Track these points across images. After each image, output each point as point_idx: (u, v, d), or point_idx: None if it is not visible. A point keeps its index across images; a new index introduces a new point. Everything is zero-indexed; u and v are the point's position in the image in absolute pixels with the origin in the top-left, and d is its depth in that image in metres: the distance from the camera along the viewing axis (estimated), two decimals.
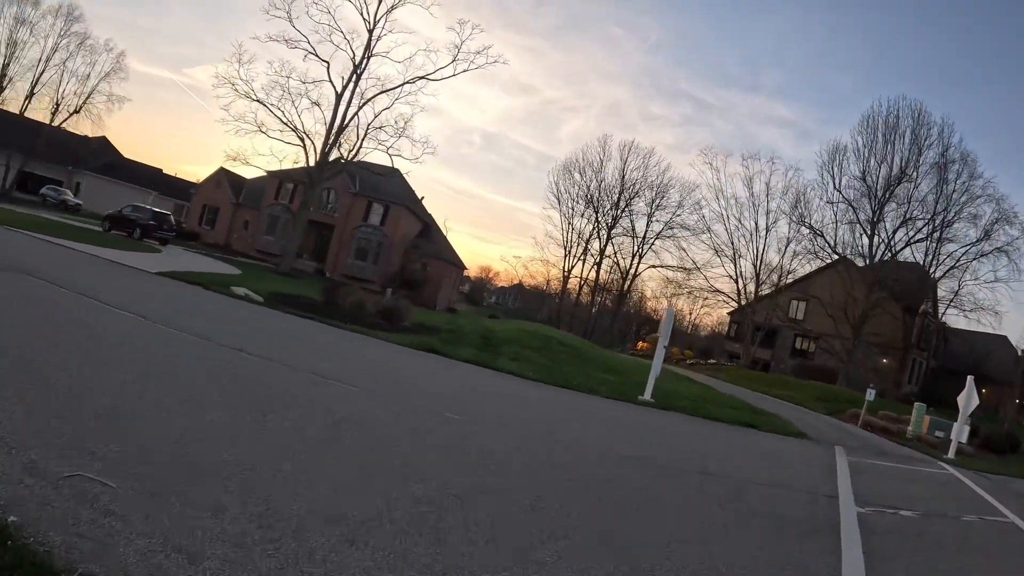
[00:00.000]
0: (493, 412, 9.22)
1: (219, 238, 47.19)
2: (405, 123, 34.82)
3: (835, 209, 41.82)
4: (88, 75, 45.30)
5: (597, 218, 58.03)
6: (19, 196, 45.02)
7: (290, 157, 38.46)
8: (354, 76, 35.16)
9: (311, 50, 34.03)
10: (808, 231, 43.31)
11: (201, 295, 14.28)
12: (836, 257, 42.64)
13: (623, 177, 56.83)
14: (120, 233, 29.90)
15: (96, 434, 4.11)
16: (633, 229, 57.70)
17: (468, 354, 14.60)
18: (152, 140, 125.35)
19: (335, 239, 45.45)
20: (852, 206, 40.52)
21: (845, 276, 39.85)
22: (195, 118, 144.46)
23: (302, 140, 34.47)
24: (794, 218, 44.79)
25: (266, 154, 38.12)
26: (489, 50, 38.13)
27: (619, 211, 57.44)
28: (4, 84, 42.90)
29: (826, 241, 42.61)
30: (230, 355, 8.16)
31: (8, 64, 42.84)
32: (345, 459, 5.11)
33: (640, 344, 55.86)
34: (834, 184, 41.63)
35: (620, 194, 57.18)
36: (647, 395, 14.16)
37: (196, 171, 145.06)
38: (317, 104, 35.17)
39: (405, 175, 42.37)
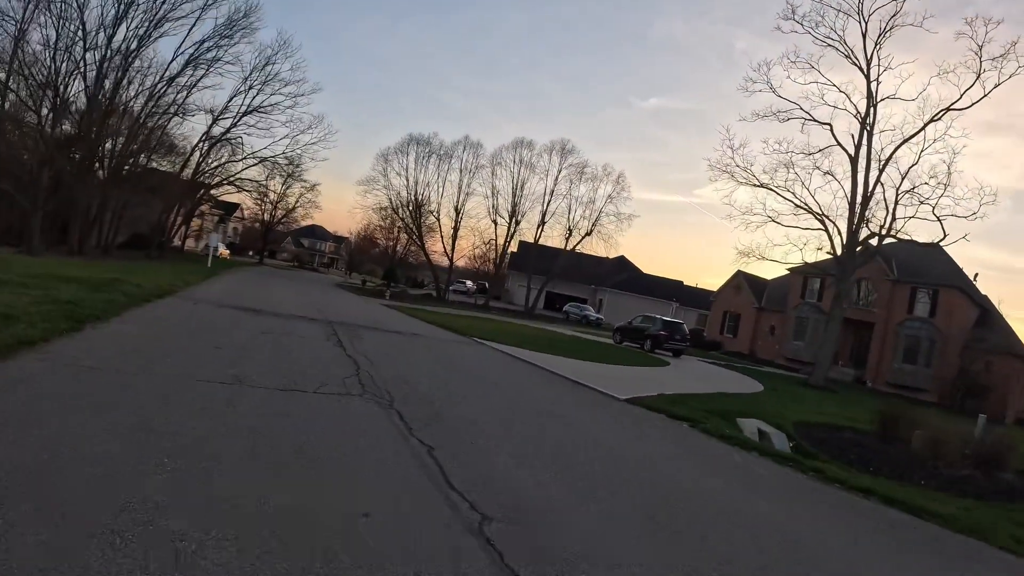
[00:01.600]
0: None
1: (742, 346, 43.96)
2: (947, 173, 25.16)
3: None
4: (592, 199, 49.27)
5: None
6: (544, 313, 51.70)
7: (812, 243, 32.48)
8: (864, 133, 27.63)
9: (807, 116, 28.53)
10: None
11: (688, 443, 9.41)
12: None
13: None
14: (632, 345, 29.38)
15: None
16: None
17: None
18: (667, 256, 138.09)
19: (875, 339, 36.20)
20: None
21: None
22: (706, 233, 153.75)
23: (822, 221, 28.46)
24: None
25: (783, 243, 33.67)
26: (1017, 47, 24.73)
27: None
28: (519, 217, 51.03)
29: None
30: None
31: (519, 201, 50.87)
32: None
33: None
34: None
35: None
36: None
37: (717, 282, 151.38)
38: (830, 174, 28.92)
39: (946, 247, 30.68)
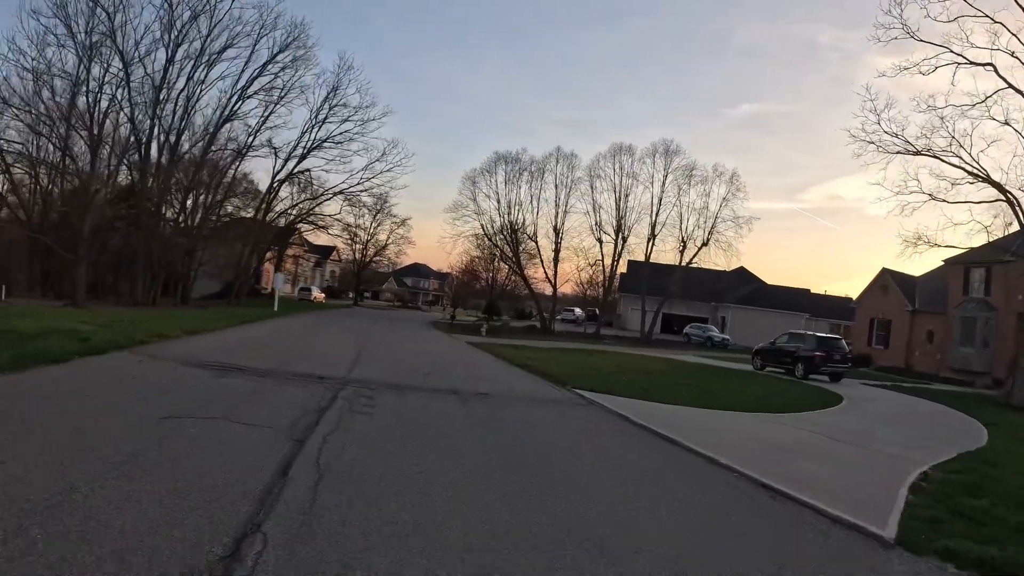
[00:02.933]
0: None
1: (896, 358, 34.73)
2: None
3: None
4: (705, 204, 42.83)
5: None
6: (661, 338, 44.57)
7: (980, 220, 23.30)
8: None
9: (961, 59, 19.74)
10: None
11: None
12: None
13: None
14: (776, 370, 22.08)
15: None
16: None
17: None
18: (786, 265, 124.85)
19: None
20: None
21: None
22: (816, 238, 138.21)
23: (1002, 189, 19.65)
24: None
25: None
26: None
27: None
28: (626, 232, 44.08)
29: None
30: None
31: (623, 214, 43.78)
32: None
33: None
34: None
35: None
36: None
37: (846, 287, 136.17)
38: (1008, 124, 19.86)
39: None
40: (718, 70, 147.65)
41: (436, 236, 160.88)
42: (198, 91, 33.46)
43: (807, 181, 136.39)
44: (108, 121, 28.85)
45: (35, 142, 27.93)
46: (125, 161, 30.80)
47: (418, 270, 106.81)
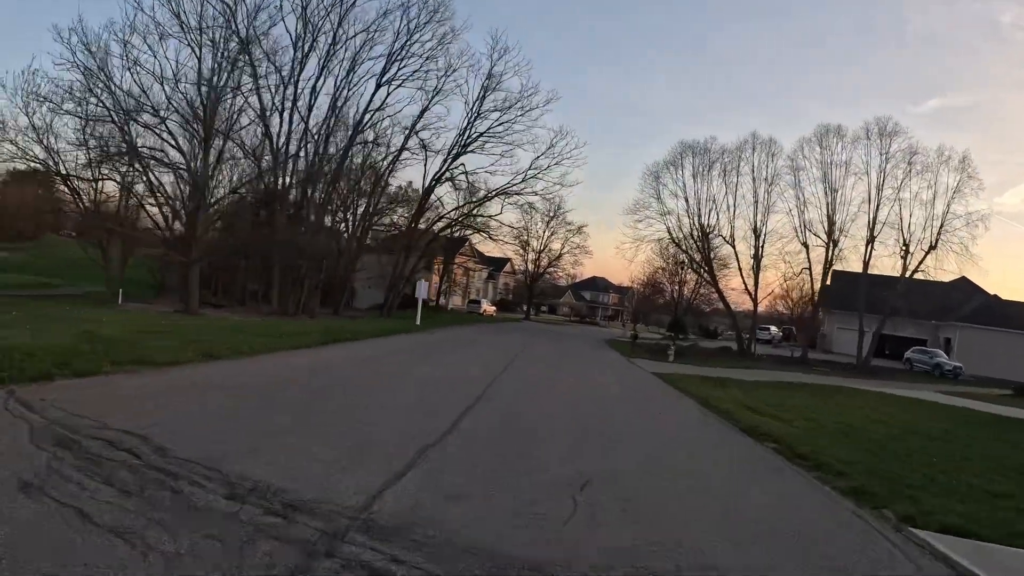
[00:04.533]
0: None
1: None
2: None
3: None
4: (931, 198, 32.10)
5: None
6: (879, 365, 33.74)
7: None
8: None
9: None
10: None
11: None
12: None
13: None
14: None
15: None
16: None
17: None
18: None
19: None
20: None
21: None
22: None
23: None
24: None
25: None
26: None
27: None
28: (837, 235, 33.77)
29: None
30: None
31: (832, 212, 33.48)
32: None
33: None
34: None
35: None
36: None
37: None
38: None
39: None
40: (897, 65, 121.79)
41: (614, 248, 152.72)
42: (343, 91, 30.90)
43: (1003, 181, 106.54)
44: (234, 117, 26.95)
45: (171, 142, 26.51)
46: (262, 164, 28.65)
47: (596, 283, 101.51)
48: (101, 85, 22.15)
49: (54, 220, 35.90)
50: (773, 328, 52.71)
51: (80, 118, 22.12)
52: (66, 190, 27.21)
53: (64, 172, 23.25)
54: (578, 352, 24.35)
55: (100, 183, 26.31)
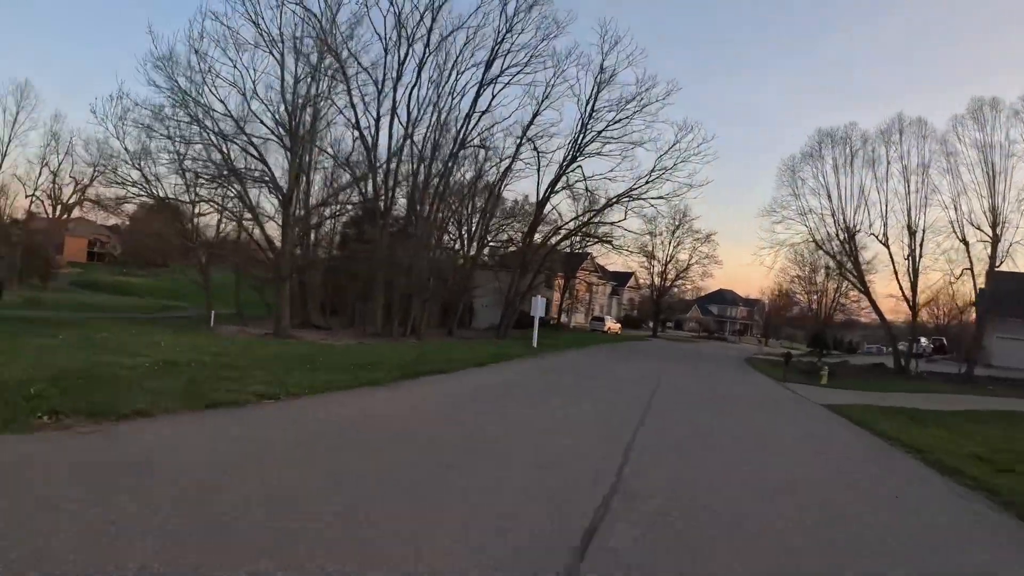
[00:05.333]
0: None
1: None
2: None
3: None
4: None
5: None
6: None
7: None
8: None
9: None
10: None
11: None
12: None
13: None
14: None
15: None
16: None
17: None
18: None
19: None
20: None
21: None
22: None
23: None
24: None
25: None
26: None
27: None
28: (1000, 229, 27.15)
29: None
30: None
31: (996, 203, 27.80)
32: None
33: None
34: None
35: None
36: None
37: None
38: None
39: None
40: None
41: (740, 260, 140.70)
42: (447, 99, 28.46)
43: None
44: (325, 128, 25.21)
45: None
46: (359, 176, 26.73)
47: (724, 296, 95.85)
48: (199, 109, 21.13)
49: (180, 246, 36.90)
50: (923, 339, 44.76)
51: (175, 140, 21.10)
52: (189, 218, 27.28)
53: (163, 196, 22.51)
54: (727, 380, 19.66)
55: (197, 205, 25.59)
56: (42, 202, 45.36)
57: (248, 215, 23.65)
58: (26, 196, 44.39)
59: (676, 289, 69.08)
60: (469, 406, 9.30)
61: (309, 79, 22.01)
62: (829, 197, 32.90)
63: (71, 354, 9.69)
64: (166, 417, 6.20)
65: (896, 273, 31.54)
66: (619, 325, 63.08)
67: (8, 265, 34.22)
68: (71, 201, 43.56)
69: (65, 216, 46.45)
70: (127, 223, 43.06)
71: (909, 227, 30.66)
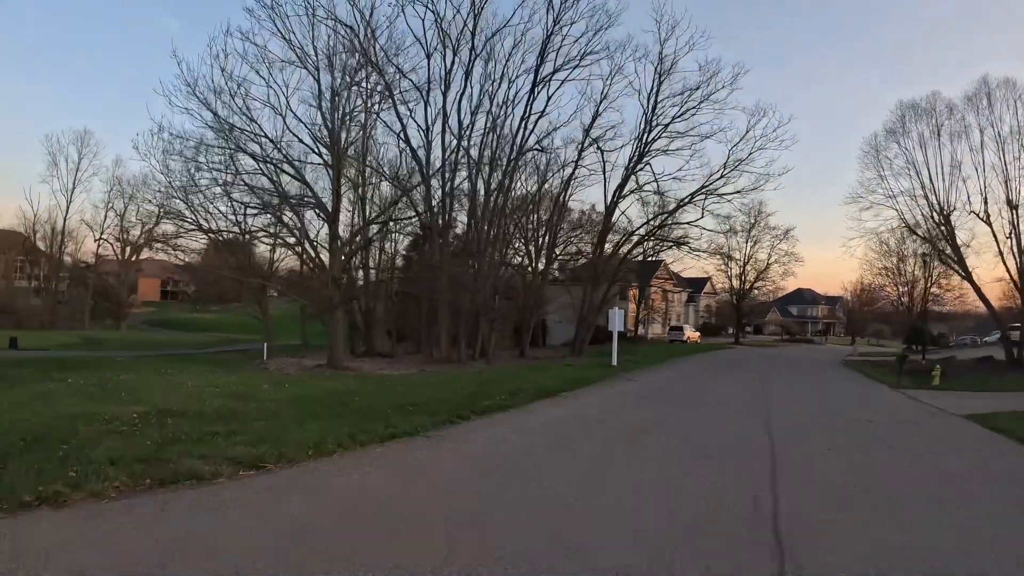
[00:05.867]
0: None
1: None
2: None
3: None
4: None
5: None
6: None
7: None
8: None
9: None
10: None
11: None
12: None
13: None
14: None
15: None
16: None
17: None
18: None
19: None
20: None
21: None
22: None
23: None
24: None
25: None
26: None
27: None
28: None
29: None
30: None
31: None
32: None
33: None
34: None
35: None
36: None
37: None
38: None
39: None
40: None
41: (818, 256, 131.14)
42: (503, 108, 26.48)
43: None
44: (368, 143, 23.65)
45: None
46: (412, 193, 25.02)
47: (803, 296, 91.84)
48: (242, 136, 20.01)
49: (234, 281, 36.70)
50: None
51: (215, 170, 19.97)
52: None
53: (212, 229, 21.49)
54: (841, 393, 16.71)
55: (247, 236, 24.52)
56: (111, 245, 47.07)
57: (296, 239, 22.33)
58: (95, 240, 46.19)
59: (756, 291, 64.18)
60: (528, 472, 6.40)
61: (346, 92, 20.51)
62: (918, 175, 30.14)
63: (51, 403, 8.13)
64: (82, 506, 4.22)
65: (1001, 253, 28.25)
66: (698, 334, 59.08)
67: (76, 305, 34.73)
68: (139, 242, 44.58)
69: (134, 257, 47.67)
70: (198, 260, 43.80)
71: (1008, 201, 27.60)
